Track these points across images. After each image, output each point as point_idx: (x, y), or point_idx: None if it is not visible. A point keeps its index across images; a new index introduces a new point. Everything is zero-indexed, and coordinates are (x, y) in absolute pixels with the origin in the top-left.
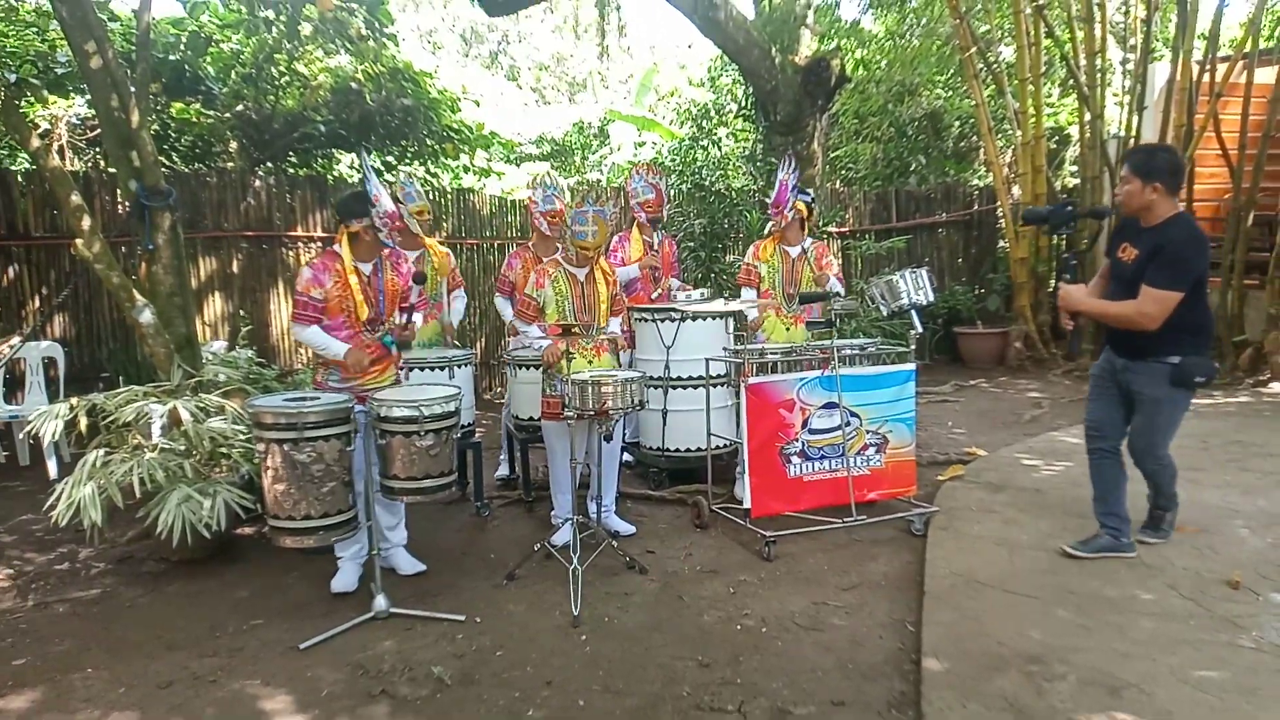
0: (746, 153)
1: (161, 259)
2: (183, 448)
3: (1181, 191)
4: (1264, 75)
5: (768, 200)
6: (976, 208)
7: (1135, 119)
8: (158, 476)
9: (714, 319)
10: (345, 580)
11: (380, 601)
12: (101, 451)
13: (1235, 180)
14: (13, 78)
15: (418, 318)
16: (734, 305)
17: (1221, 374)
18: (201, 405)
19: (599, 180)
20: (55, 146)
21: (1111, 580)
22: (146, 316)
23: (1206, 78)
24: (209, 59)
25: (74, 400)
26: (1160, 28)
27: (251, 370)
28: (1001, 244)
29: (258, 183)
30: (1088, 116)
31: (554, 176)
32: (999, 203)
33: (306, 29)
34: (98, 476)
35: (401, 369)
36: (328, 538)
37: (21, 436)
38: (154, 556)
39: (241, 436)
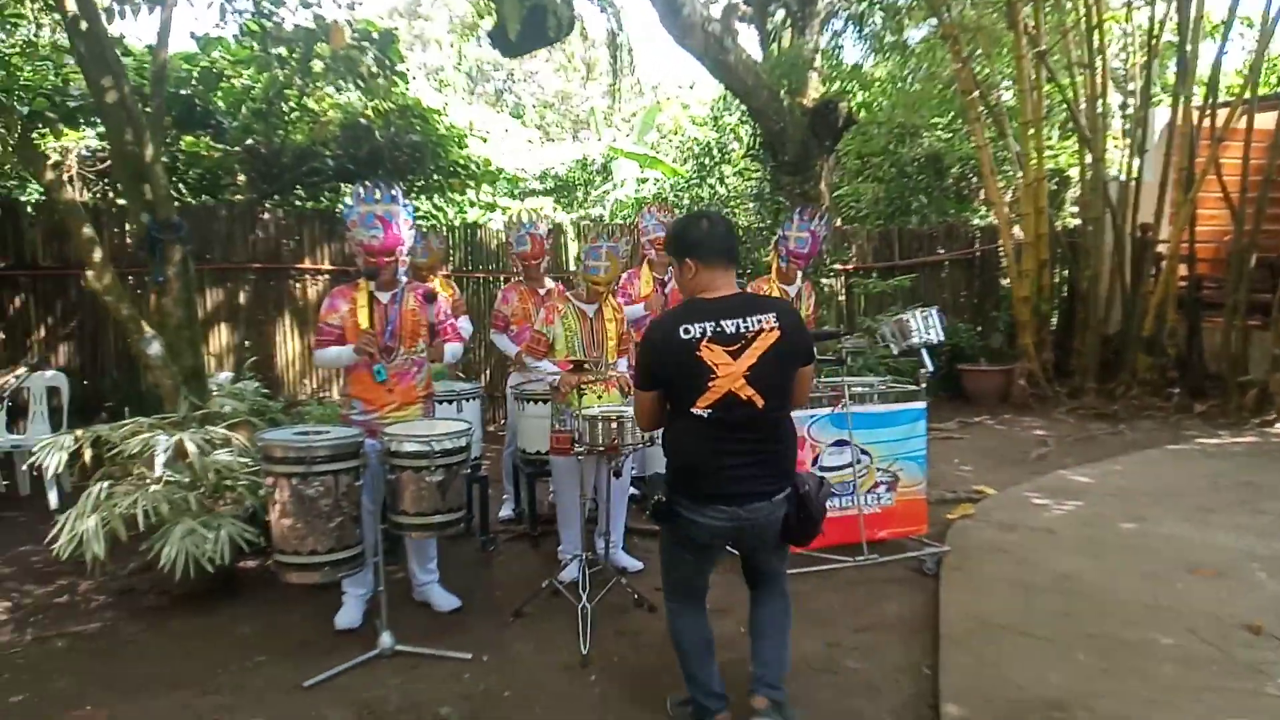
0: (754, 192)
1: (171, 291)
2: (187, 480)
3: (725, 264)
4: (1264, 121)
5: (794, 248)
6: (978, 246)
7: (1136, 162)
8: (162, 509)
9: None
10: (350, 616)
11: (386, 639)
12: (106, 484)
13: (1237, 223)
14: (25, 110)
15: (450, 349)
16: None
17: (1227, 413)
18: (207, 437)
19: (602, 216)
20: (66, 178)
21: (1130, 623)
22: (155, 348)
23: (1207, 123)
24: (220, 94)
25: (79, 432)
26: (1159, 73)
27: (257, 402)
28: (1004, 282)
29: (266, 216)
30: (1089, 159)
31: (533, 214)
32: (1000, 242)
33: (318, 66)
34: (101, 509)
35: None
36: (334, 573)
37: (25, 468)
38: (156, 590)
39: (247, 469)
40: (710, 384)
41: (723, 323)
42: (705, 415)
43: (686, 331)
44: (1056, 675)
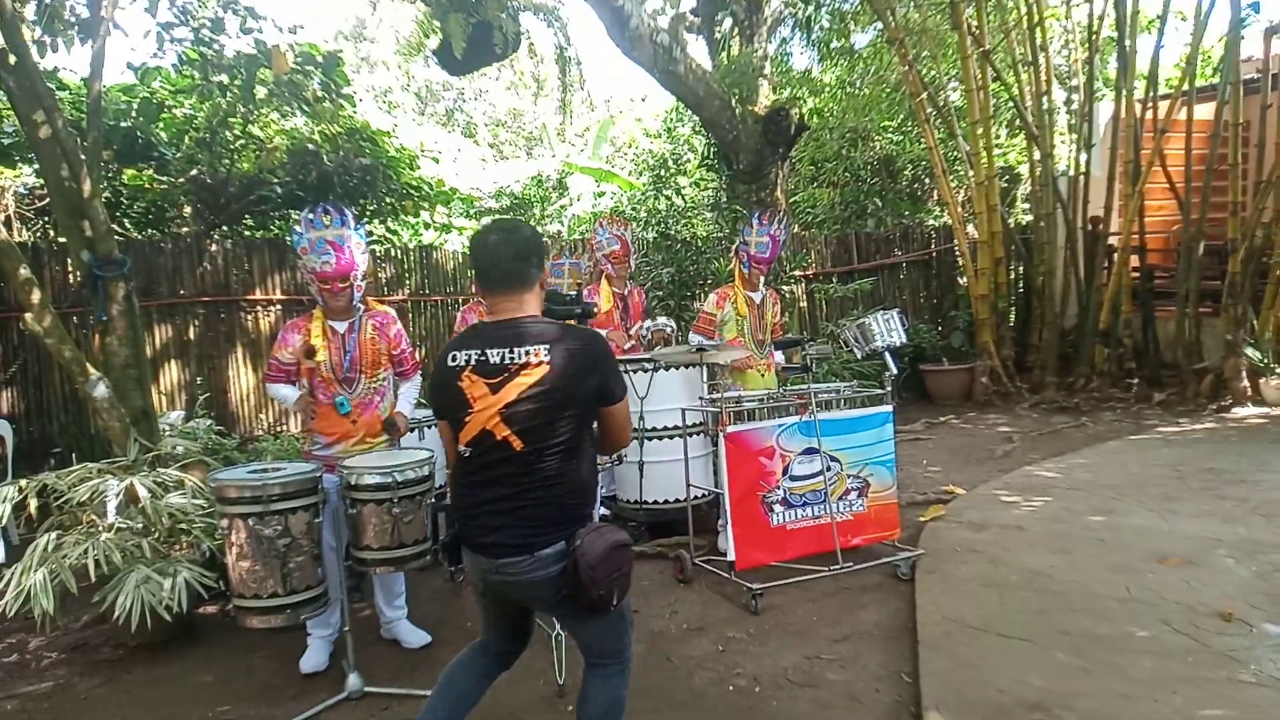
0: (711, 201)
1: (116, 330)
2: (140, 526)
3: (504, 287)
4: (1203, 111)
5: (754, 253)
6: (934, 247)
7: (1083, 156)
8: (114, 558)
9: (687, 367)
10: (315, 659)
11: (354, 680)
12: (53, 535)
13: (1184, 212)
14: None
15: (406, 403)
16: (708, 350)
17: (1185, 401)
18: (159, 480)
19: (560, 232)
20: (2, 218)
21: (1104, 618)
22: (100, 390)
23: (1149, 115)
24: (161, 125)
25: (23, 482)
26: (1101, 68)
27: (211, 440)
28: (962, 281)
29: (214, 247)
30: (1037, 155)
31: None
32: (956, 241)
33: (261, 92)
34: (49, 561)
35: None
36: (296, 616)
37: None
38: (111, 642)
39: (202, 511)
40: (467, 418)
41: (488, 351)
42: (465, 453)
43: (454, 359)
44: (1036, 675)
